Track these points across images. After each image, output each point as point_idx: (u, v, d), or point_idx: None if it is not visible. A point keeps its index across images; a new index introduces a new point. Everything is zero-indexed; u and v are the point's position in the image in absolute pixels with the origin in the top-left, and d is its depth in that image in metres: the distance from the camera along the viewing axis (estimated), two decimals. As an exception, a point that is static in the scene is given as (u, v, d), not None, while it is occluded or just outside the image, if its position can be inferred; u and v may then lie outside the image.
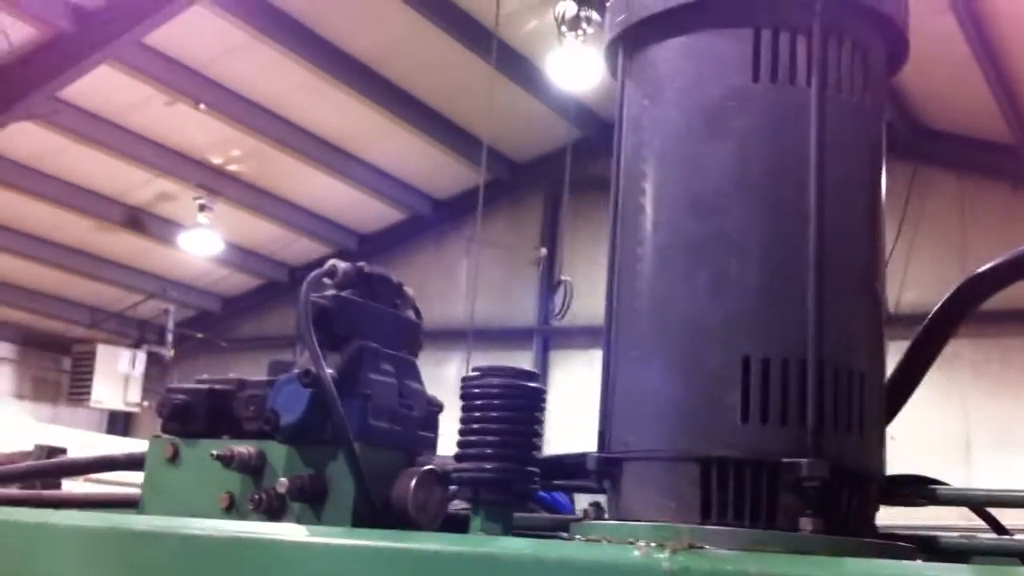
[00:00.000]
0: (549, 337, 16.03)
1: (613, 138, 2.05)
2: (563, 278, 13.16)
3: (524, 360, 15.40)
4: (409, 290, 2.52)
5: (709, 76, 1.90)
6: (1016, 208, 13.40)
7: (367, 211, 16.87)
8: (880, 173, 1.96)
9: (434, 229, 17.23)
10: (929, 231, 13.95)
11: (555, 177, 14.55)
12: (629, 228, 1.96)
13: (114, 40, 11.51)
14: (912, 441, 13.25)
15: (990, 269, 1.97)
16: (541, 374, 15.86)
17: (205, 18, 11.87)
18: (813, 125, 1.82)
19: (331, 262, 2.36)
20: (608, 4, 2.11)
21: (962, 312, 2.03)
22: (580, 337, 14.25)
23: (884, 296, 1.93)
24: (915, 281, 12.87)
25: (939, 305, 2.04)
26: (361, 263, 2.39)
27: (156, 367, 18.13)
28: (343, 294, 2.32)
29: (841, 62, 1.89)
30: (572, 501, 2.97)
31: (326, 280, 2.34)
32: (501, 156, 15.83)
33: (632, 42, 2.04)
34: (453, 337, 14.06)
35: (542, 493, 2.67)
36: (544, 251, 15.77)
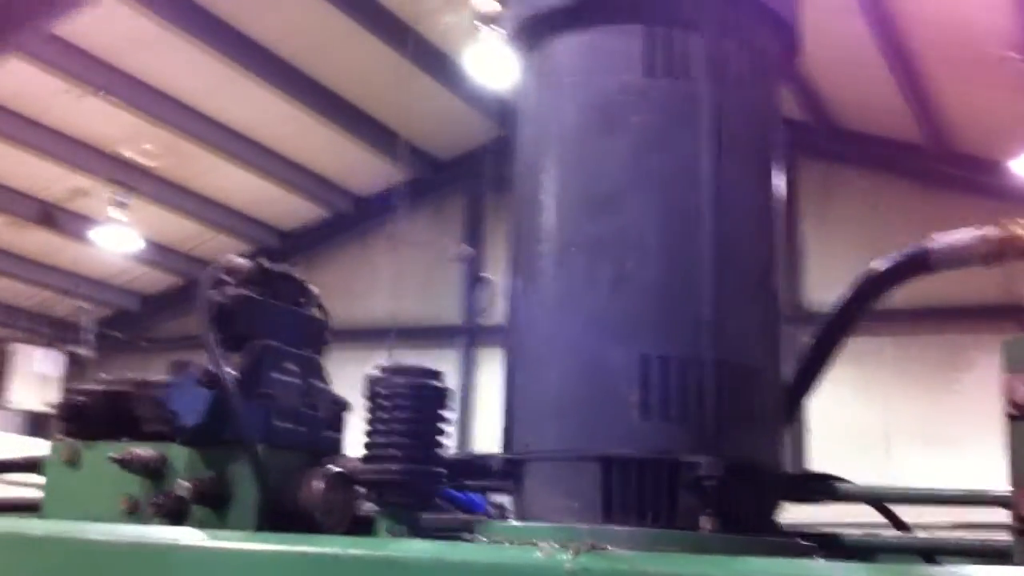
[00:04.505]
0: (475, 335, 16.00)
1: (513, 133, 2.05)
2: (485, 276, 13.15)
3: (450, 358, 15.36)
4: (314, 288, 2.48)
5: (605, 71, 1.91)
6: (925, 206, 13.72)
7: (288, 208, 16.67)
8: (775, 169, 1.98)
9: (357, 227, 17.09)
10: (842, 229, 14.24)
11: (478, 174, 14.55)
12: (529, 225, 1.96)
13: (15, 30, 11.16)
14: (833, 438, 13.51)
15: (886, 269, 2.00)
16: (467, 372, 15.88)
17: (117, 10, 11.61)
18: (706, 120, 1.83)
19: (229, 257, 2.31)
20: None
21: (860, 309, 2.06)
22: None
23: (779, 292, 1.96)
24: (828, 279, 13.10)
25: (838, 303, 2.07)
26: (261, 259, 2.35)
27: (76, 367, 17.68)
28: (244, 291, 2.28)
29: (735, 59, 1.90)
30: (486, 499, 2.97)
31: (225, 277, 2.30)
32: (423, 153, 15.77)
33: (531, 37, 2.03)
34: (377, 336, 13.97)
35: (455, 492, 2.66)
36: (467, 249, 15.73)
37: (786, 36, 2.06)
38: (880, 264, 2.01)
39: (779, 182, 2.00)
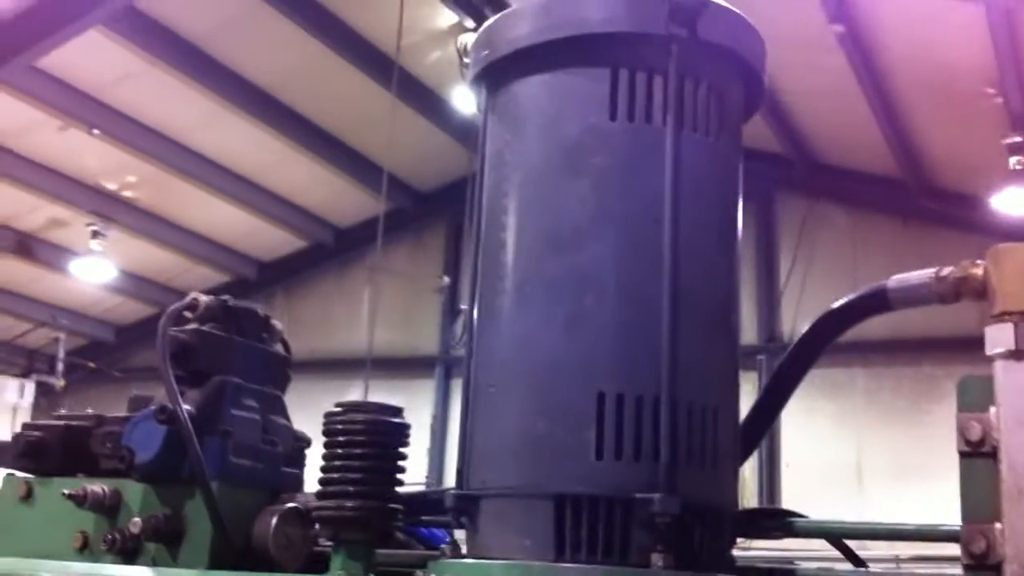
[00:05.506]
0: (451, 366, 15.96)
1: (476, 172, 2.05)
2: (464, 307, 13.14)
3: (427, 389, 15.30)
4: (277, 323, 2.47)
5: (568, 114, 1.91)
6: (906, 241, 13.80)
7: (267, 239, 16.64)
8: (735, 210, 1.99)
9: (336, 258, 17.07)
10: (822, 264, 14.30)
11: (458, 206, 14.55)
12: (490, 263, 1.96)
13: (3, 64, 11.19)
14: (807, 471, 13.44)
15: (842, 306, 2.00)
16: (443, 403, 15.82)
17: (101, 43, 11.61)
18: (668, 163, 1.84)
19: (192, 295, 2.30)
20: (474, 40, 2.12)
21: (819, 348, 2.06)
22: (483, 368, 14.17)
23: (738, 332, 1.96)
24: (809, 312, 13.13)
25: (796, 342, 2.07)
26: (225, 296, 2.34)
27: (46, 398, 17.55)
28: (205, 328, 2.27)
29: (697, 102, 1.91)
30: (449, 533, 2.94)
31: (188, 314, 2.29)
32: (404, 185, 15.80)
33: (495, 78, 2.04)
34: (356, 367, 13.90)
35: (416, 528, 2.63)
36: (446, 280, 15.73)
37: (750, 81, 2.07)
38: (838, 303, 2.01)
39: (738, 223, 2.01)
